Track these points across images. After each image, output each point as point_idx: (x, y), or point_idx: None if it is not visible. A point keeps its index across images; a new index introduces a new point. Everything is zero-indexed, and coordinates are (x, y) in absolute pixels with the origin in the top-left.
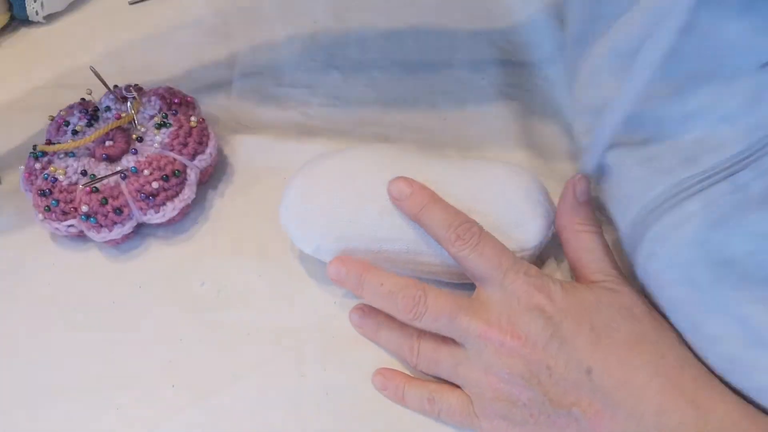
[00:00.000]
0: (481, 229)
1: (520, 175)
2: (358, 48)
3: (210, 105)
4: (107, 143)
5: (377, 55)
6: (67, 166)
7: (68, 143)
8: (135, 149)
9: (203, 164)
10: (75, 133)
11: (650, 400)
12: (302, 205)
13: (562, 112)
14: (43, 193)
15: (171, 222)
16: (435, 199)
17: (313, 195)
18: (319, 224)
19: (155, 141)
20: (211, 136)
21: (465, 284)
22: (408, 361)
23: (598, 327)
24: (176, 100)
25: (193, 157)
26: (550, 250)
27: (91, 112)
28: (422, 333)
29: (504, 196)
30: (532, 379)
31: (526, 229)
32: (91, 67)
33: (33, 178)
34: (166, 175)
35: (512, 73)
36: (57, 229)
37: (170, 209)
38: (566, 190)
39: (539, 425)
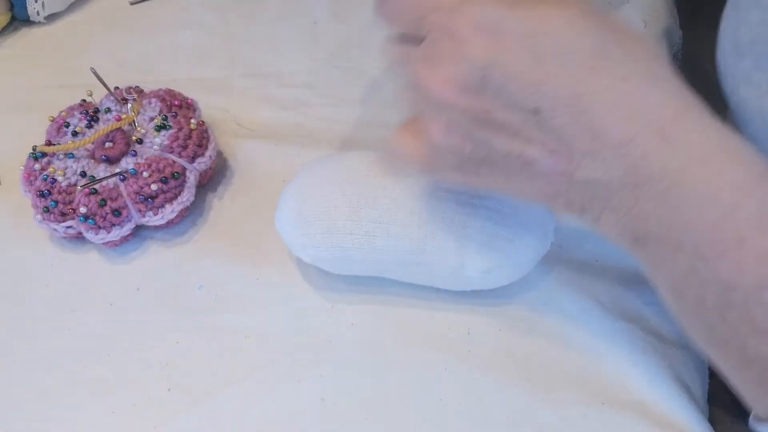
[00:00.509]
0: None
1: None
2: (359, 48)
3: (210, 106)
4: (107, 145)
5: (377, 55)
6: (66, 168)
7: (68, 144)
8: (134, 151)
9: (203, 167)
10: (75, 134)
11: (609, 133)
12: (298, 213)
13: None
14: (42, 194)
15: (170, 224)
16: None
17: (309, 204)
18: (316, 234)
19: (155, 143)
20: (211, 138)
21: (463, 292)
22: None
23: (543, 54)
24: (176, 103)
25: (192, 159)
26: None
27: (91, 114)
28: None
29: (502, 206)
30: (471, 129)
31: (523, 240)
32: (91, 68)
33: (32, 178)
34: (165, 178)
35: None
36: (55, 230)
37: (169, 211)
38: None
39: (490, 175)
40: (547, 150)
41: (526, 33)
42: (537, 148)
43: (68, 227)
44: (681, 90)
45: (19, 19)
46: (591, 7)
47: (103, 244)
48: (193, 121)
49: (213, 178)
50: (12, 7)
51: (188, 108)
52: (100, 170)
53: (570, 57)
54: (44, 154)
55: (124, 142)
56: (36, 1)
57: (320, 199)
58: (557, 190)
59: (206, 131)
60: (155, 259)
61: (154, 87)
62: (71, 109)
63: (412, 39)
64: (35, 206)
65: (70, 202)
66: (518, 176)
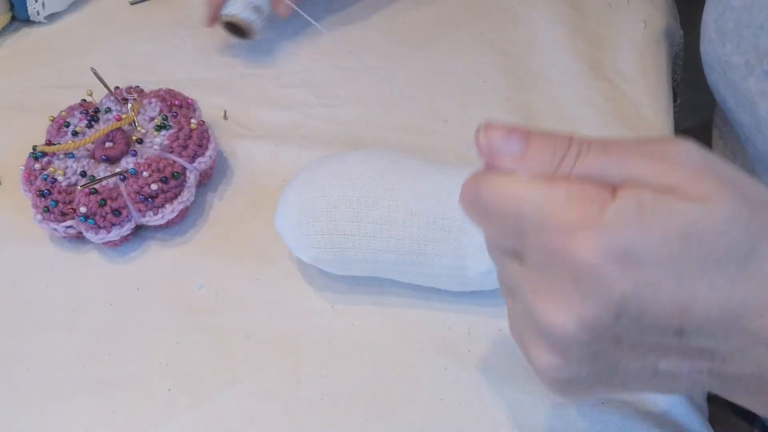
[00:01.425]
0: None
1: None
2: (359, 48)
3: (210, 106)
4: (107, 144)
5: (378, 55)
6: (66, 167)
7: (68, 144)
8: (134, 151)
9: (203, 167)
10: (75, 134)
11: (759, 333)
12: (298, 214)
13: (564, 113)
14: (42, 194)
15: (170, 224)
16: None
17: (309, 204)
18: (316, 234)
19: (155, 143)
20: (211, 138)
21: (463, 292)
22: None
23: (690, 271)
24: (176, 102)
25: (192, 159)
26: None
27: (91, 114)
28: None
29: None
30: (591, 354)
31: None
32: (91, 68)
33: (32, 178)
34: (165, 177)
35: (514, 75)
36: (55, 230)
37: (169, 211)
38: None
39: (620, 386)
40: (686, 360)
41: (669, 251)
42: (674, 361)
43: (68, 227)
44: None
45: (19, 19)
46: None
47: (103, 244)
48: (193, 120)
49: (213, 178)
50: (12, 7)
51: (188, 108)
52: (100, 170)
53: (722, 266)
54: (44, 154)
55: (124, 142)
56: (36, 1)
57: (320, 199)
58: (699, 384)
59: (206, 131)
60: (155, 259)
61: (154, 87)
62: (71, 108)
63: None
64: (35, 206)
65: (70, 202)
66: (652, 383)
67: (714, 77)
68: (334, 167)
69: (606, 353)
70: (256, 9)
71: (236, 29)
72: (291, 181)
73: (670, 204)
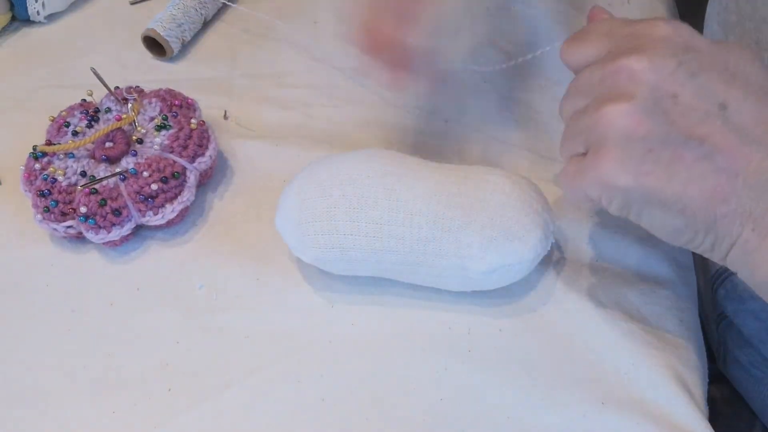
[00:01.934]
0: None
1: (519, 186)
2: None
3: (210, 106)
4: (107, 144)
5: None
6: (66, 167)
7: (68, 144)
8: (135, 151)
9: (203, 167)
10: (75, 134)
11: None
12: (299, 214)
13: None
14: (42, 194)
15: (170, 224)
16: None
17: (310, 204)
18: (316, 234)
19: (155, 143)
20: (211, 138)
21: (463, 292)
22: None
23: (732, 68)
24: (177, 102)
25: (192, 159)
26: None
27: (91, 113)
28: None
29: (503, 207)
30: (655, 108)
31: (524, 241)
32: (91, 68)
33: (32, 178)
34: (166, 177)
35: (514, 76)
36: (55, 230)
37: (169, 211)
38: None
39: (659, 166)
40: (728, 143)
41: (714, 50)
42: (718, 139)
43: (68, 227)
44: None
45: (19, 19)
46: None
47: (104, 243)
48: (193, 120)
49: (213, 178)
50: (12, 7)
51: (188, 108)
52: (101, 170)
53: (752, 64)
54: (44, 154)
55: (124, 142)
56: (36, 1)
57: (320, 199)
58: (729, 192)
59: (206, 131)
60: (155, 259)
61: (154, 87)
62: (71, 108)
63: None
64: (35, 206)
65: (71, 202)
66: (690, 171)
67: None
68: (334, 167)
69: (665, 106)
70: (179, 26)
71: (155, 46)
72: (291, 181)
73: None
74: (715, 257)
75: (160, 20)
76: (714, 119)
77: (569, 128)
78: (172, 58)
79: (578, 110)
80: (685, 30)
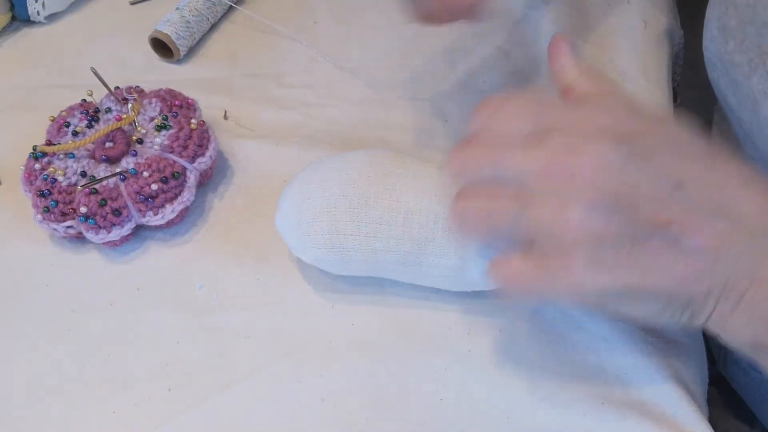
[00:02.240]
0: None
1: None
2: (359, 48)
3: (210, 106)
4: (107, 145)
5: (378, 55)
6: (66, 167)
7: (68, 144)
8: (135, 151)
9: (203, 167)
10: (75, 134)
11: (751, 201)
12: (299, 214)
13: None
14: (42, 194)
15: (170, 224)
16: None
17: (310, 205)
18: (316, 235)
19: (155, 143)
20: (212, 138)
21: (463, 292)
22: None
23: (676, 143)
24: (177, 102)
25: (192, 159)
26: None
27: (91, 114)
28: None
29: None
30: (616, 205)
31: None
32: (92, 68)
33: (32, 178)
34: (166, 177)
35: (514, 75)
36: (55, 230)
37: (169, 211)
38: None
39: (631, 261)
40: (693, 224)
41: (654, 128)
42: (682, 222)
43: (68, 227)
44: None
45: (19, 19)
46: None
47: (104, 244)
48: (193, 121)
49: (213, 178)
50: (12, 7)
51: (188, 108)
52: (101, 170)
53: (691, 138)
54: (44, 154)
55: (124, 142)
56: (36, 1)
57: (321, 199)
58: (702, 271)
59: (206, 131)
60: (155, 259)
61: (155, 87)
62: (71, 108)
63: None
64: (35, 206)
65: (71, 202)
66: (661, 259)
67: (715, 75)
68: (334, 167)
69: (624, 204)
70: (190, 31)
71: (161, 46)
72: (291, 181)
73: None
74: (694, 325)
75: (172, 23)
76: (673, 201)
77: (498, 215)
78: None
79: (507, 196)
80: (620, 112)
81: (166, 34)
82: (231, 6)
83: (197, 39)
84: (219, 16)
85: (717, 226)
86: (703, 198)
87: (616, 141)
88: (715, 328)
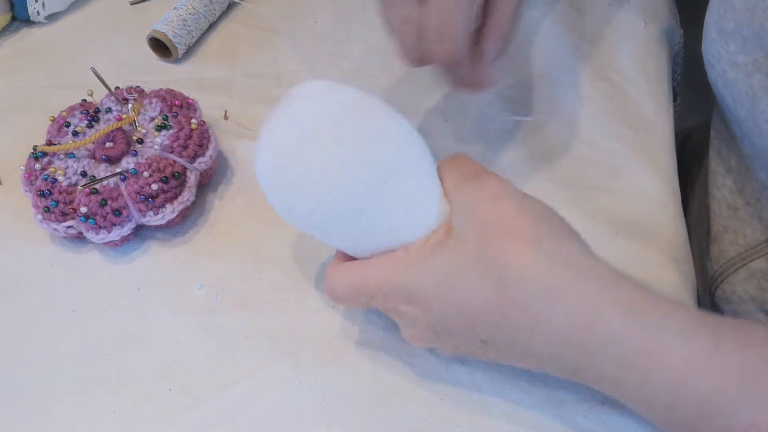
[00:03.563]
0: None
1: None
2: (359, 48)
3: (210, 106)
4: (107, 144)
5: (378, 55)
6: (66, 167)
7: (68, 144)
8: (135, 151)
9: (203, 167)
10: (75, 134)
11: (542, 350)
12: (289, 170)
13: (564, 113)
14: (42, 194)
15: (170, 224)
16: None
17: (307, 157)
18: (306, 217)
19: (155, 143)
20: (212, 138)
21: None
22: None
23: (459, 303)
24: (177, 102)
25: (193, 159)
26: None
27: (91, 114)
28: None
29: None
30: (455, 350)
31: None
32: (92, 68)
33: (33, 178)
34: (166, 177)
35: (514, 75)
36: (56, 230)
37: (169, 211)
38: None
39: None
40: (511, 360)
41: (440, 289)
42: (503, 360)
43: (69, 227)
44: (584, 283)
45: (19, 19)
46: (484, 218)
47: (104, 244)
48: (193, 120)
49: (213, 178)
50: (12, 7)
51: (189, 108)
52: (101, 170)
53: (479, 297)
54: (45, 154)
55: (124, 142)
56: (36, 1)
57: (331, 180)
58: (537, 366)
59: (207, 131)
60: (155, 259)
61: (155, 87)
62: (72, 108)
63: None
64: (36, 206)
65: (71, 202)
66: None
67: (714, 75)
68: (339, 129)
69: (460, 350)
70: (188, 31)
71: (160, 47)
72: (277, 110)
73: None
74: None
75: (169, 22)
76: (488, 351)
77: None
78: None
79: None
80: (418, 305)
81: (164, 33)
82: (230, 4)
83: (195, 38)
84: (218, 14)
85: (529, 360)
86: (505, 347)
87: (420, 325)
88: None
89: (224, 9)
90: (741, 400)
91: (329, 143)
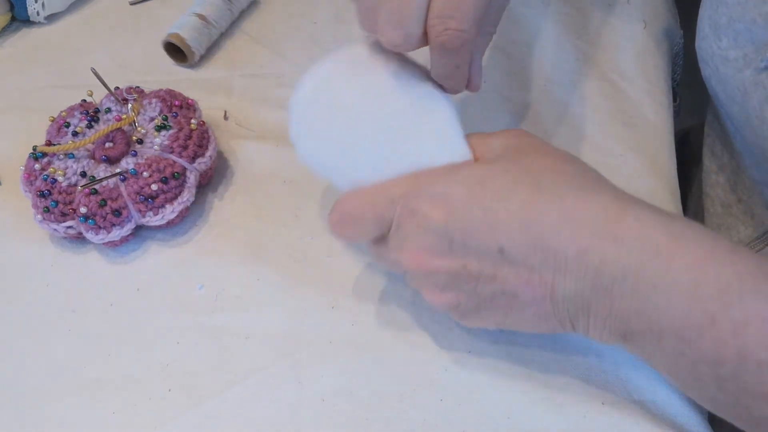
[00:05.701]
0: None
1: None
2: None
3: (210, 106)
4: (107, 145)
5: None
6: (66, 168)
7: (68, 144)
8: (135, 151)
9: (203, 167)
10: (75, 134)
11: (565, 249)
12: (338, 89)
13: (564, 113)
14: (42, 194)
15: (170, 224)
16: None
17: (357, 77)
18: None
19: (155, 143)
20: (212, 138)
21: None
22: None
23: (488, 205)
24: (177, 103)
25: (192, 159)
26: None
27: (91, 114)
28: None
29: None
30: (456, 283)
31: None
32: (91, 68)
33: (32, 178)
34: (166, 178)
35: (514, 75)
36: (55, 230)
37: (169, 211)
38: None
39: (491, 314)
40: (522, 281)
41: (470, 192)
42: (513, 282)
43: (68, 227)
44: (615, 192)
45: (19, 19)
46: (517, 146)
47: (104, 244)
48: (193, 121)
49: (213, 178)
50: (12, 7)
51: (188, 108)
52: (101, 170)
53: (510, 198)
54: (44, 154)
55: (124, 142)
56: (36, 1)
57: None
58: (546, 313)
59: (206, 131)
60: (155, 259)
61: (155, 87)
62: (71, 109)
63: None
64: (35, 206)
65: (71, 202)
66: (511, 311)
67: (707, 72)
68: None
69: (463, 280)
70: (207, 28)
71: (177, 51)
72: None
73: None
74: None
75: (192, 28)
76: (501, 267)
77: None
78: (169, 57)
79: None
80: (443, 207)
81: (189, 48)
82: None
83: (211, 42)
84: (231, 22)
85: (541, 277)
86: (522, 255)
87: (434, 230)
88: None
89: (236, 17)
90: (760, 288)
91: (380, 68)
